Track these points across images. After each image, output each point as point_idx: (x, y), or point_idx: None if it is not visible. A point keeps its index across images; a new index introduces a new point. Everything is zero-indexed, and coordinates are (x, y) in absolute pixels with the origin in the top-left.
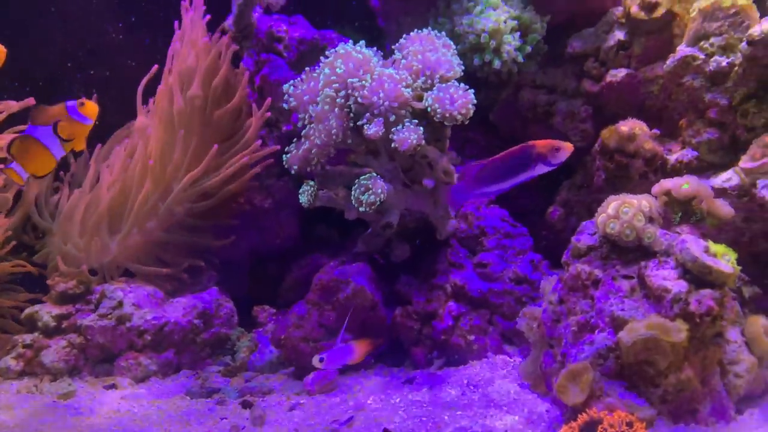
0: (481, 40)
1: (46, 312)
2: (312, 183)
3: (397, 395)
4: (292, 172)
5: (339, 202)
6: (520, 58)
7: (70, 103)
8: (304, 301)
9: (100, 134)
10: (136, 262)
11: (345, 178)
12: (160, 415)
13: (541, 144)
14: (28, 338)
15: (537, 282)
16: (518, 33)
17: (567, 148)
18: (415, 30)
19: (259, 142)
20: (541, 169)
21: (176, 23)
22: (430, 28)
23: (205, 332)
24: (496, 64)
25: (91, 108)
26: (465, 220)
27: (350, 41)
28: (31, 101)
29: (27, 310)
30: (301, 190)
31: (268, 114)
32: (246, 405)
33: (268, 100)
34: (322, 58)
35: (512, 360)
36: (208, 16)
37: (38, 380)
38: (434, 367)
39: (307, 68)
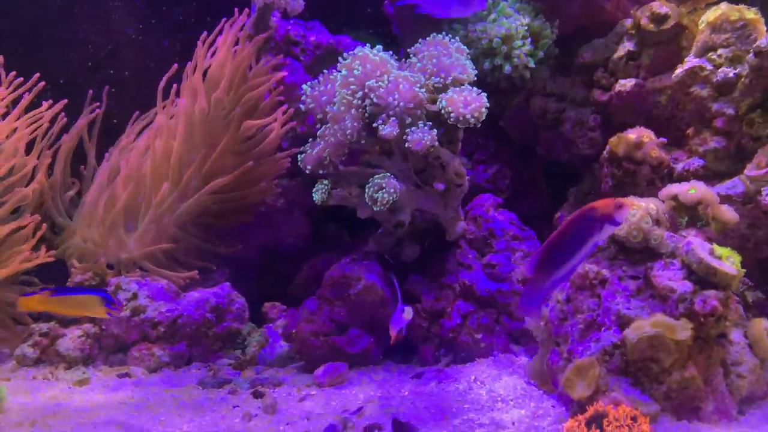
0: (493, 45)
1: None
2: (326, 182)
3: (406, 389)
4: (307, 171)
5: (352, 201)
6: (531, 63)
7: None
8: (316, 296)
9: (119, 133)
10: (151, 259)
11: (358, 178)
12: (174, 402)
13: (603, 204)
14: (44, 327)
15: None
16: (529, 39)
17: (628, 204)
18: (432, 35)
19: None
20: (608, 230)
21: (197, 26)
22: (444, 33)
23: (217, 326)
24: (506, 68)
25: None
26: (474, 222)
27: (367, 46)
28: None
29: None
30: (315, 188)
31: (293, 123)
32: (257, 395)
33: (290, 111)
34: (340, 59)
35: (518, 359)
36: (245, 22)
37: (53, 368)
38: (442, 364)
39: (324, 71)
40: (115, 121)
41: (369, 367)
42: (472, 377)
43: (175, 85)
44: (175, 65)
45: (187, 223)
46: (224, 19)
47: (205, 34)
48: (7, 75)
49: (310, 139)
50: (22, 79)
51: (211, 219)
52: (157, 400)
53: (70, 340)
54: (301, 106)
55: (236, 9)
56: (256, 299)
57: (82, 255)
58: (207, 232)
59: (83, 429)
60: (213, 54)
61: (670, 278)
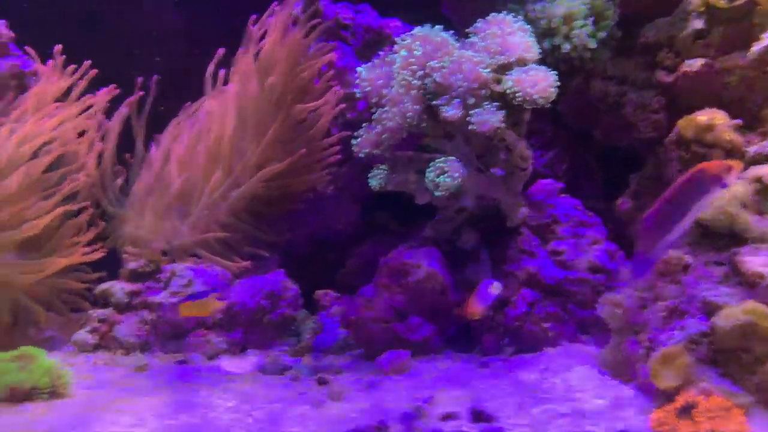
0: (552, 25)
1: (119, 288)
2: (383, 167)
3: (475, 378)
4: (361, 156)
5: (410, 186)
6: (592, 44)
7: None
8: (373, 284)
9: (165, 120)
10: (204, 245)
11: (414, 163)
12: (238, 389)
13: (714, 165)
14: (102, 313)
15: (613, 272)
16: (591, 19)
17: (737, 167)
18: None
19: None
20: (716, 193)
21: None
22: (504, 12)
23: (271, 313)
24: (565, 47)
25: None
26: (536, 208)
27: (427, 26)
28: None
29: (100, 287)
30: (371, 174)
31: (342, 106)
32: (322, 382)
33: (340, 92)
34: (398, 40)
35: (588, 348)
36: (296, 5)
37: (112, 353)
38: (506, 353)
39: (380, 52)
40: (162, 108)
41: (430, 355)
42: (542, 367)
43: (222, 71)
44: (222, 50)
45: (240, 211)
46: (275, 3)
47: (254, 17)
48: (58, 62)
49: (364, 124)
50: (74, 66)
51: (261, 206)
52: (221, 386)
53: (128, 327)
54: (356, 90)
55: None
56: (304, 286)
57: (135, 242)
58: (258, 219)
59: (155, 413)
60: (261, 38)
61: (761, 264)
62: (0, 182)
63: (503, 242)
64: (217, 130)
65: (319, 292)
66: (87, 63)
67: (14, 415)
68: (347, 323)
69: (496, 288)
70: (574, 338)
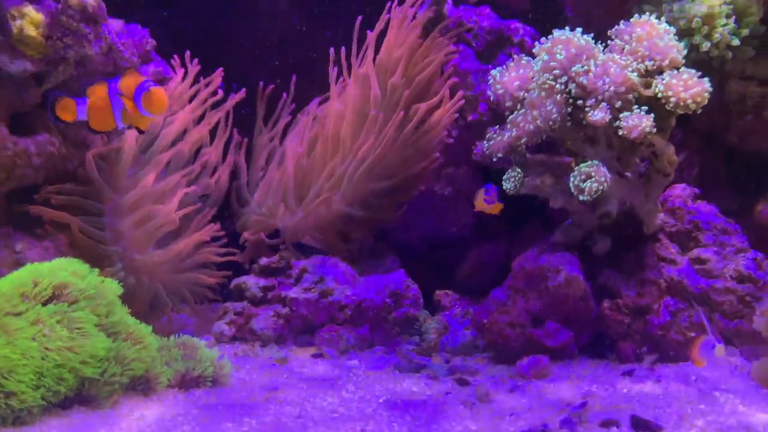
0: (693, 25)
1: (254, 283)
2: (518, 170)
3: (622, 385)
4: (495, 159)
5: (545, 190)
6: (735, 42)
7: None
8: (506, 287)
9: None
10: (318, 231)
11: (545, 167)
12: (382, 384)
13: None
14: (238, 306)
15: (762, 281)
16: (734, 17)
17: None
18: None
19: (445, 133)
20: None
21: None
22: (639, 14)
23: (395, 311)
24: (705, 46)
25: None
26: (673, 214)
27: (566, 29)
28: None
29: (235, 281)
30: (506, 177)
31: (462, 102)
32: (462, 383)
33: (460, 93)
34: (537, 44)
35: (734, 360)
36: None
37: (250, 346)
38: (647, 362)
39: (501, 54)
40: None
41: (566, 361)
42: (693, 377)
43: (335, 69)
44: (343, 48)
45: (356, 201)
46: (394, 2)
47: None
48: (183, 66)
49: (497, 127)
50: (199, 67)
51: (374, 199)
52: (365, 382)
53: (264, 320)
54: (489, 92)
55: None
56: (419, 286)
57: (256, 222)
58: (373, 211)
59: (314, 406)
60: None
61: None
62: (139, 179)
63: (639, 249)
64: (335, 127)
65: (440, 293)
66: (219, 71)
67: (188, 402)
68: (479, 326)
69: (719, 351)
70: None
